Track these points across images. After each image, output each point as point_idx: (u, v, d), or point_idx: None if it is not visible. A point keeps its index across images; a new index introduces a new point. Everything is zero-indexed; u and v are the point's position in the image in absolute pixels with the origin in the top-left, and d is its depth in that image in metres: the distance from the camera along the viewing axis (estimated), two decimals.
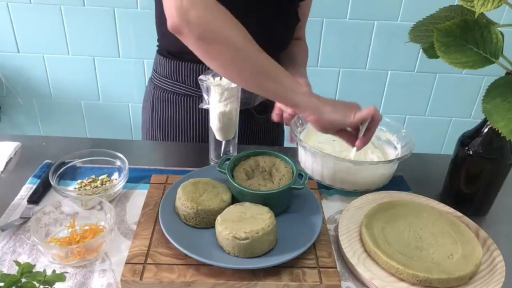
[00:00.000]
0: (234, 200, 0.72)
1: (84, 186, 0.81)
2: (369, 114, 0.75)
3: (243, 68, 0.71)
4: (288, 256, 0.63)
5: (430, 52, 0.78)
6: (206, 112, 0.92)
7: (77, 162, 0.85)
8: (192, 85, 0.99)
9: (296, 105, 0.74)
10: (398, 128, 0.93)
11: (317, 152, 0.81)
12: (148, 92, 1.09)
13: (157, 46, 1.05)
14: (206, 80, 0.82)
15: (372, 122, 0.77)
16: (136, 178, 0.85)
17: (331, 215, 0.80)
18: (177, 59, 0.98)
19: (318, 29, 1.80)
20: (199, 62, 0.75)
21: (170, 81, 1.01)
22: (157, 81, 1.04)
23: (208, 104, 0.84)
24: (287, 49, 1.04)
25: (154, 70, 1.06)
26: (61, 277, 0.54)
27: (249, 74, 0.72)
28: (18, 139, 0.96)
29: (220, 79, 0.82)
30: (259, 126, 1.10)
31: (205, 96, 0.84)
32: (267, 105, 1.08)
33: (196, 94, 1.00)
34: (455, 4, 0.76)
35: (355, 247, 0.70)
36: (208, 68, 0.76)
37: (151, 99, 1.06)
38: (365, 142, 0.79)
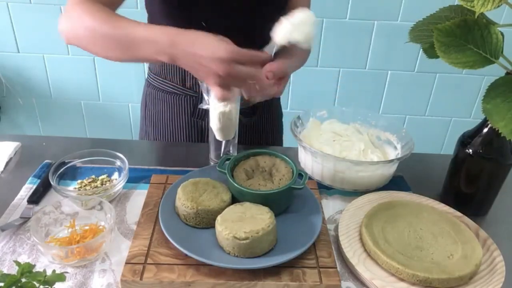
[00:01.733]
0: (234, 200, 0.72)
1: (84, 186, 0.81)
2: (216, 97, 0.68)
3: (111, 49, 0.72)
4: (288, 256, 0.63)
5: (430, 52, 0.78)
6: (191, 110, 0.91)
7: (77, 162, 0.85)
8: (178, 83, 1.01)
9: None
10: (398, 128, 0.93)
11: (317, 152, 0.81)
12: (144, 89, 1.12)
13: None
14: None
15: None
16: (136, 178, 0.85)
17: (331, 215, 0.80)
18: None
19: (318, 29, 1.80)
20: None
21: (160, 78, 1.03)
22: (150, 79, 1.07)
23: (208, 104, 0.84)
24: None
25: (149, 68, 1.09)
26: (61, 277, 0.54)
27: (117, 52, 0.72)
28: (18, 139, 0.96)
29: None
30: (257, 127, 1.10)
31: (205, 96, 0.83)
32: (255, 108, 1.07)
33: (182, 93, 1.01)
34: (455, 4, 0.76)
35: (355, 247, 0.70)
36: None
37: (145, 96, 1.09)
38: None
